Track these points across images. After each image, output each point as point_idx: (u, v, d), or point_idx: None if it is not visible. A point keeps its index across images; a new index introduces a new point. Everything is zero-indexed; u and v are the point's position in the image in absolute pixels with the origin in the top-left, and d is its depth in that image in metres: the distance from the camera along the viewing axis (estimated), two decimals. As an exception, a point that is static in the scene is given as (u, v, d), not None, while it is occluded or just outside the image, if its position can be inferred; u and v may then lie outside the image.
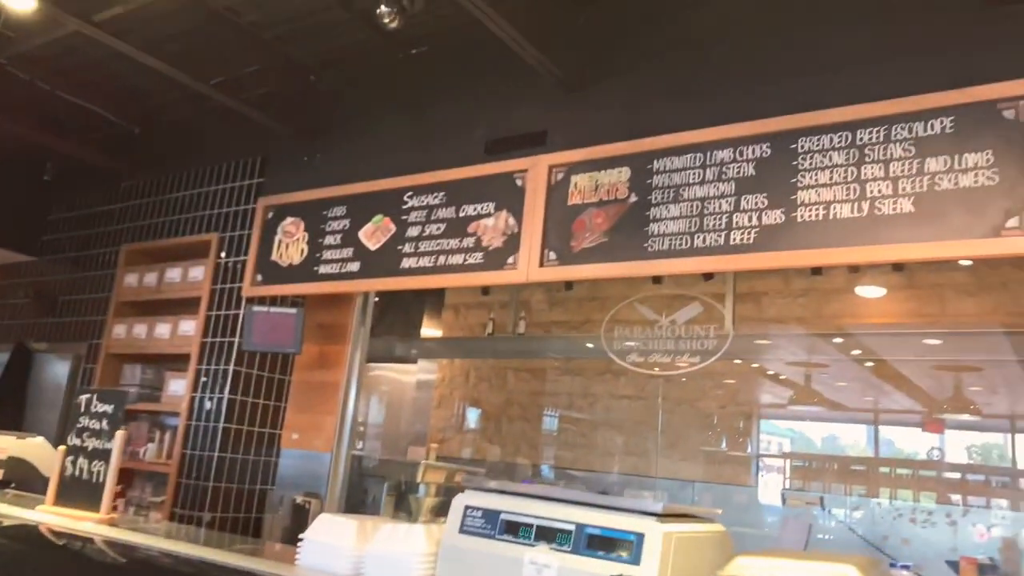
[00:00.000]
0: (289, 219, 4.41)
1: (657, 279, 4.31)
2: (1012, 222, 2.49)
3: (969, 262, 3.78)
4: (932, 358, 5.04)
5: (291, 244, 4.34)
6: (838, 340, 5.00)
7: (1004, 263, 4.25)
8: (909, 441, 5.95)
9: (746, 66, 3.19)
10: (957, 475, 5.31)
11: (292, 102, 4.53)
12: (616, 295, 5.08)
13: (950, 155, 2.63)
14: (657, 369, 3.62)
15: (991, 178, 2.56)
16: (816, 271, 4.58)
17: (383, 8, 2.98)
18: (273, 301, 4.51)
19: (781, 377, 5.95)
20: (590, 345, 5.69)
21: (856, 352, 5.11)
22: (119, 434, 2.79)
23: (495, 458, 6.20)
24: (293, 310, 4.41)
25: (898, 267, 4.35)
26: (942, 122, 2.66)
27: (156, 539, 2.32)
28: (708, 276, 4.24)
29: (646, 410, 5.68)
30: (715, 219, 3.02)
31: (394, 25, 3.03)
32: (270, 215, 4.51)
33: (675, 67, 3.37)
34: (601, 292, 5.57)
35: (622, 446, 5.79)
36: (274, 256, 4.41)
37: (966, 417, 5.62)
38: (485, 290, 5.74)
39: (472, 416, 6.54)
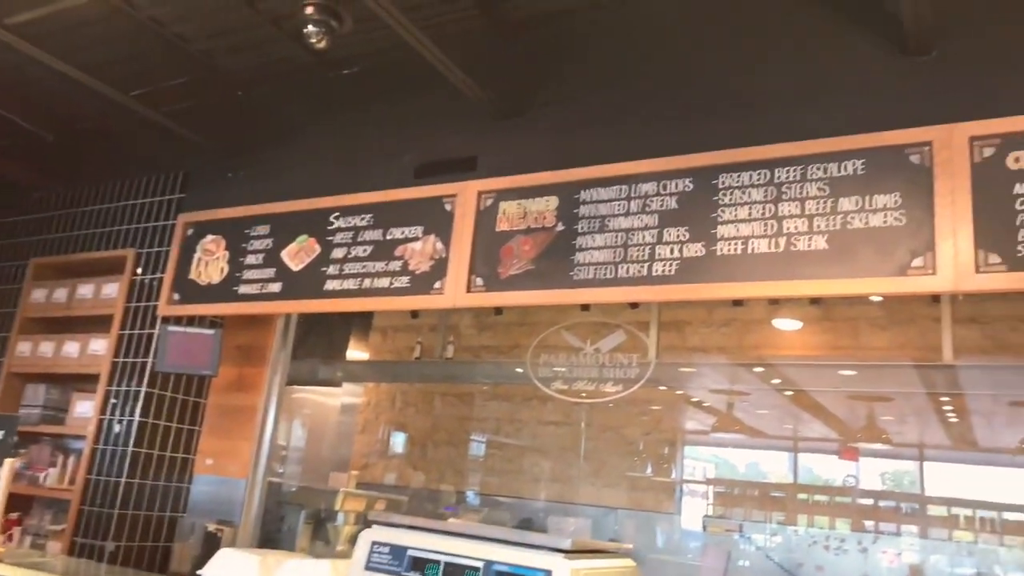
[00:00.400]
0: (210, 237, 4.33)
1: (585, 306, 4.36)
2: (917, 262, 2.61)
3: (879, 298, 3.94)
4: (846, 389, 5.23)
5: (211, 262, 4.27)
6: (758, 369, 5.14)
7: (912, 300, 4.42)
8: (826, 468, 6.11)
9: (672, 102, 3.26)
10: (870, 501, 5.47)
11: (218, 117, 4.46)
12: (545, 321, 5.14)
13: (861, 196, 2.74)
14: (584, 395, 3.60)
15: (899, 219, 2.67)
16: (737, 303, 4.75)
17: (311, 28, 2.96)
18: (190, 321, 4.43)
19: (704, 405, 6.12)
20: (519, 370, 5.61)
21: (776, 381, 5.25)
22: (8, 462, 2.65)
23: (420, 485, 6.15)
24: (211, 331, 4.33)
25: (815, 301, 4.54)
26: (854, 164, 2.77)
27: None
28: (634, 305, 4.34)
29: (572, 436, 5.74)
30: (639, 250, 3.07)
31: (322, 45, 3.02)
32: (190, 232, 4.43)
33: (604, 100, 3.43)
34: (530, 318, 5.62)
35: (548, 472, 5.82)
36: (193, 274, 4.33)
37: (879, 445, 5.84)
38: (414, 313, 5.71)
39: (397, 441, 6.50)
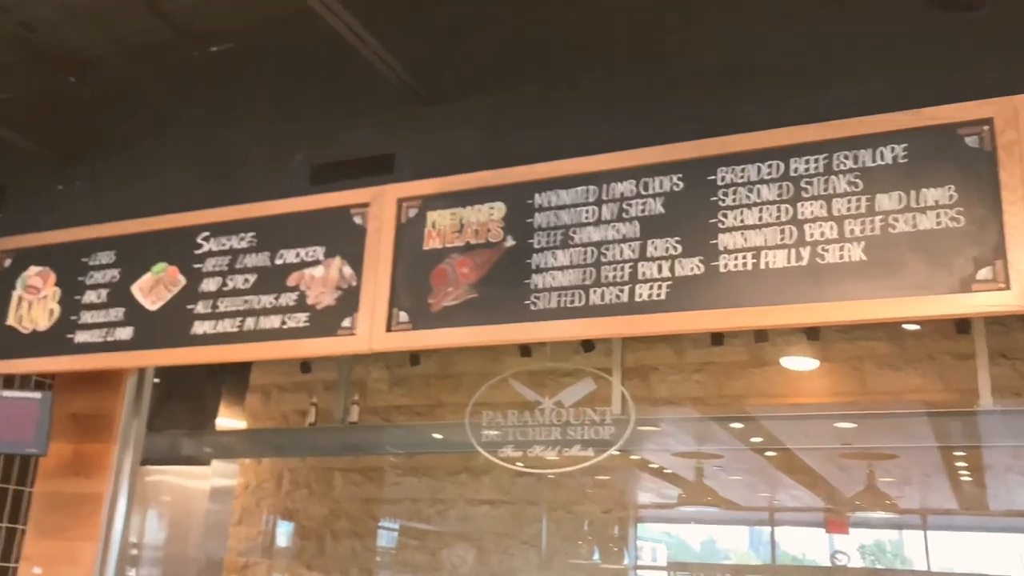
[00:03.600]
0: (34, 269, 4.14)
1: (526, 351, 4.38)
2: (983, 273, 2.45)
3: (916, 326, 3.93)
4: (842, 446, 5.20)
5: (36, 303, 4.08)
6: (736, 425, 5.12)
7: (930, 332, 4.39)
8: (809, 544, 6.22)
9: (650, 77, 3.16)
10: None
11: (44, 111, 4.23)
12: (474, 371, 5.19)
13: (904, 190, 2.61)
14: (547, 464, 3.43)
15: (955, 219, 2.53)
16: (717, 341, 4.69)
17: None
18: (8, 382, 4.24)
19: (666, 471, 6.09)
20: (437, 436, 5.72)
21: (756, 440, 5.22)
22: None
23: (315, 590, 6.09)
24: (37, 394, 4.11)
25: (812, 334, 4.43)
26: (893, 150, 2.65)
27: None
28: (588, 346, 4.32)
29: (511, 519, 5.68)
30: (616, 269, 2.94)
31: None
32: (7, 263, 4.21)
33: (560, 76, 3.33)
34: (454, 368, 5.62)
35: (481, 566, 5.74)
36: (11, 319, 4.12)
37: (878, 514, 5.90)
38: (305, 367, 5.65)
39: (285, 533, 6.42)
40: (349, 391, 5.50)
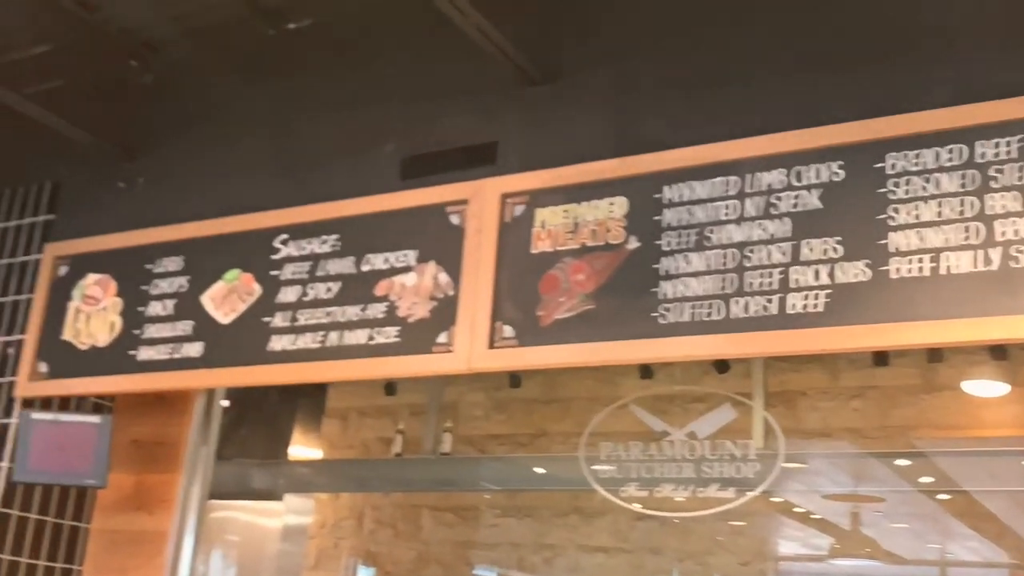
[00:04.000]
0: (93, 277, 4.23)
1: (647, 372, 4.37)
2: None
3: None
4: None
5: (95, 316, 4.17)
6: (903, 463, 5.02)
7: None
8: None
9: (803, 47, 3.13)
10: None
11: (101, 99, 4.33)
12: (583, 395, 5.10)
13: None
14: (677, 507, 3.40)
15: None
16: (880, 361, 4.60)
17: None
18: (64, 404, 4.32)
19: (814, 517, 5.96)
20: (539, 471, 5.63)
21: (926, 480, 5.11)
22: None
23: (402, 649, 6.17)
24: (96, 418, 4.19)
25: (999, 353, 4.32)
26: None
27: None
28: (722, 367, 4.30)
29: (632, 569, 5.60)
30: (762, 275, 2.91)
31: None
32: (63, 270, 4.33)
33: (693, 47, 3.32)
34: (561, 391, 5.60)
35: None
36: (67, 334, 4.21)
37: None
38: (389, 388, 5.65)
39: None
40: (440, 417, 5.49)
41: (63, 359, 4.19)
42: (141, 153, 4.41)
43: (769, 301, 2.86)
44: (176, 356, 3.89)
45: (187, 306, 3.93)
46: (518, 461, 5.69)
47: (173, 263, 4.03)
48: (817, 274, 2.81)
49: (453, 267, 3.38)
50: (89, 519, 4.51)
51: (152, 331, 3.99)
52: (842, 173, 2.87)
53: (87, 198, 4.51)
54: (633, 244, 3.11)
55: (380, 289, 3.51)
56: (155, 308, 4.01)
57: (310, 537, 6.25)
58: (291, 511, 6.00)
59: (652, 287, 3.03)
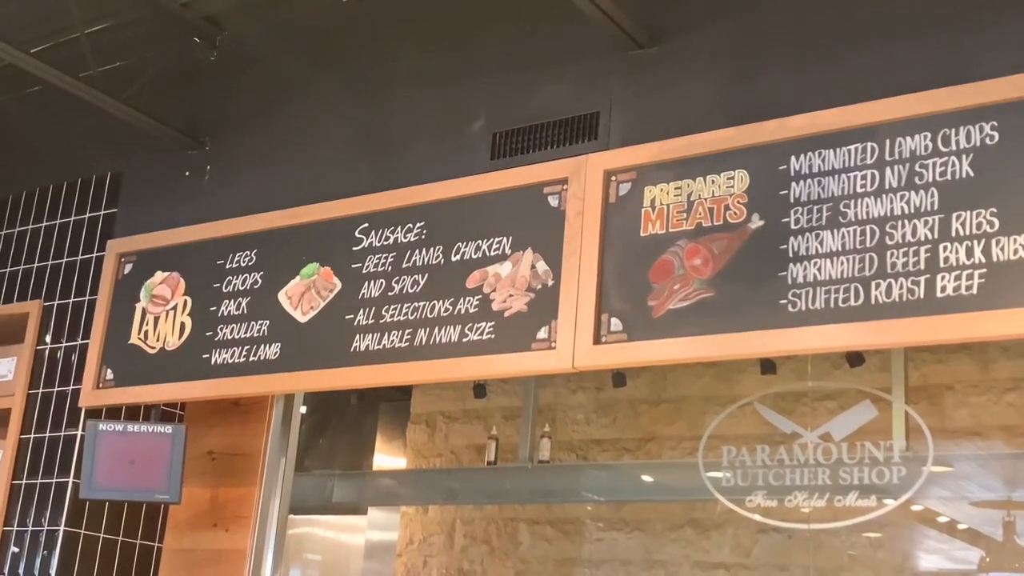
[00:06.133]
0: (160, 275, 4.31)
1: (769, 367, 4.36)
2: None
3: None
4: None
5: (163, 316, 4.25)
6: None
7: None
8: None
9: None
10: None
11: (164, 81, 4.40)
12: (697, 394, 5.03)
13: None
14: (807, 516, 3.35)
15: None
16: None
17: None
18: (132, 414, 4.38)
19: (960, 527, 5.81)
20: (648, 479, 5.62)
21: None
22: None
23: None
24: (168, 428, 4.27)
25: None
26: None
27: None
28: (856, 359, 4.27)
29: None
30: (907, 254, 2.89)
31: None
32: (128, 268, 4.41)
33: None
34: (672, 390, 5.56)
35: None
36: (134, 337, 4.30)
37: None
38: (479, 390, 5.72)
39: None
40: (537, 421, 5.49)
41: (130, 365, 4.25)
42: (209, 140, 4.48)
43: (915, 284, 2.82)
44: (252, 359, 3.93)
45: (262, 304, 3.97)
46: (625, 469, 5.69)
47: (246, 258, 4.08)
48: (970, 251, 2.77)
49: (553, 254, 3.39)
50: (161, 538, 4.58)
51: (225, 332, 4.04)
52: (996, 135, 2.82)
53: (151, 190, 4.57)
54: (756, 223, 3.10)
55: (472, 281, 3.53)
56: (228, 307, 4.06)
57: (396, 554, 6.25)
58: (375, 526, 6.10)
59: (780, 271, 3.01)
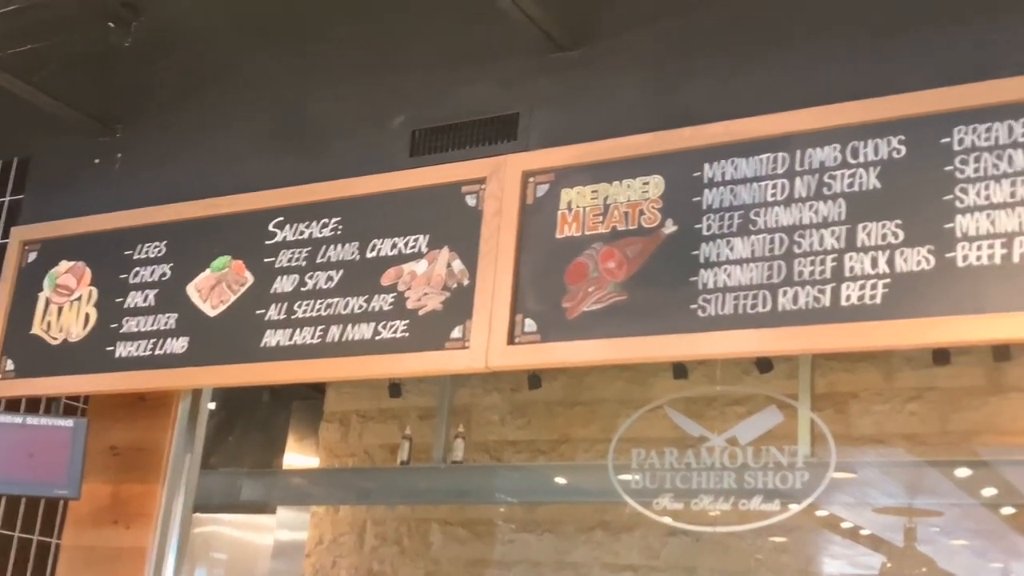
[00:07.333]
0: (65, 264, 4.25)
1: (681, 371, 4.40)
2: None
3: None
4: None
5: (67, 307, 4.19)
6: (964, 472, 5.07)
7: None
8: None
9: (861, 8, 3.13)
10: None
11: (76, 65, 4.28)
12: (612, 397, 5.09)
13: None
14: (714, 520, 3.41)
15: None
16: (942, 359, 4.61)
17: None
18: (33, 406, 4.35)
19: (863, 532, 5.96)
20: (561, 481, 5.66)
21: (990, 492, 5.17)
22: None
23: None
24: (68, 421, 4.20)
25: None
26: None
27: None
28: (765, 365, 4.34)
29: None
30: (814, 263, 2.91)
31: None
32: (32, 257, 4.35)
33: (739, 9, 3.30)
34: (587, 392, 5.60)
35: None
36: (37, 327, 4.23)
37: None
38: (394, 390, 5.72)
39: None
40: (451, 421, 5.51)
41: (32, 356, 4.20)
42: (122, 126, 4.42)
43: (821, 292, 2.85)
44: (158, 353, 3.88)
45: (171, 297, 3.92)
46: (538, 470, 5.72)
47: (155, 249, 4.03)
48: (875, 262, 2.81)
49: (469, 254, 3.39)
50: (60, 534, 4.52)
51: (132, 324, 3.98)
52: (903, 149, 2.86)
53: (59, 177, 4.52)
54: (670, 228, 3.11)
55: (387, 278, 3.51)
56: (135, 299, 4.01)
57: (305, 554, 6.25)
58: (284, 526, 6.09)
59: (691, 276, 3.03)
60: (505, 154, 3.45)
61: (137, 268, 4.05)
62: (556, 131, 3.42)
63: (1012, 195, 2.68)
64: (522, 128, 3.49)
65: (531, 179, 3.37)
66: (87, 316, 4.10)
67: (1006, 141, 2.73)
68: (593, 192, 3.26)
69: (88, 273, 4.17)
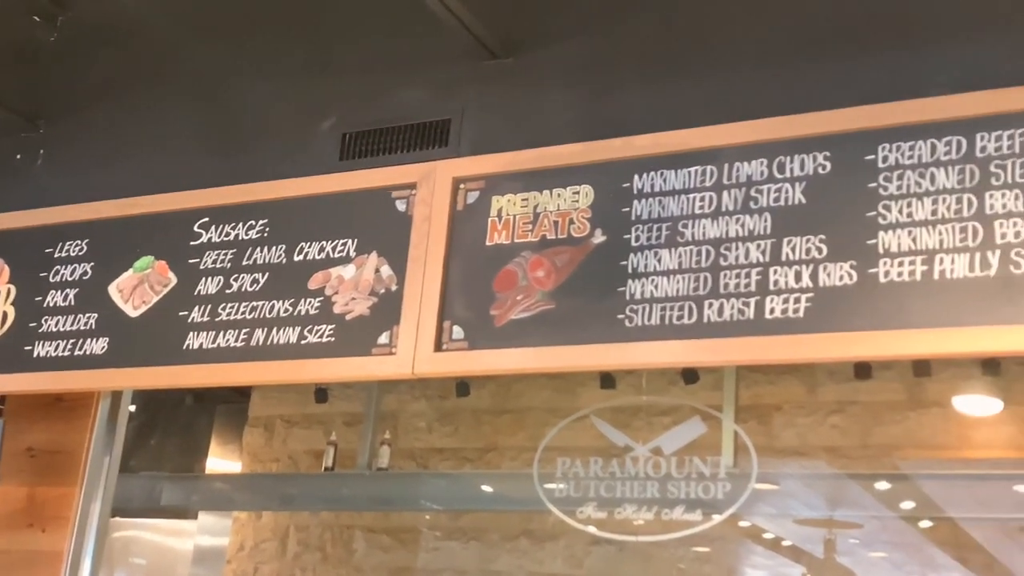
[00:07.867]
0: None
1: (608, 381, 4.53)
2: None
3: None
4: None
5: None
6: (884, 485, 5.15)
7: None
8: None
9: (789, 26, 3.16)
10: None
11: (1, 61, 4.30)
12: (539, 406, 5.14)
13: None
14: (638, 529, 3.42)
15: None
16: (863, 374, 4.75)
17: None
18: None
19: (785, 543, 6.06)
20: (488, 489, 5.70)
21: (908, 505, 5.26)
22: None
23: None
24: None
25: (990, 368, 4.48)
26: None
27: None
28: (691, 376, 4.48)
29: None
30: (739, 276, 2.92)
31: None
32: None
33: (671, 23, 3.33)
34: (515, 401, 5.63)
35: None
36: None
37: None
38: (321, 395, 5.74)
39: None
40: (378, 428, 5.52)
41: (-55, 355, 4.12)
42: (45, 123, 4.39)
43: (745, 304, 2.86)
44: (77, 353, 3.84)
45: (91, 297, 3.88)
46: (464, 478, 5.73)
47: (76, 247, 3.98)
48: (798, 276, 2.82)
49: (398, 259, 3.37)
50: (-28, 537, 4.43)
51: (51, 324, 3.94)
52: (828, 165, 2.88)
53: (-21, 172, 4.45)
54: (599, 238, 3.12)
55: (314, 282, 3.50)
56: (55, 298, 3.96)
57: (226, 560, 6.22)
58: (205, 531, 6.03)
59: (619, 286, 3.03)
60: (436, 160, 3.44)
61: (57, 267, 4.00)
62: (488, 138, 3.42)
63: (933, 213, 2.71)
64: (454, 134, 3.49)
65: (462, 186, 3.36)
66: (4, 314, 4.05)
67: (928, 159, 2.76)
68: (523, 200, 3.26)
69: (7, 270, 4.11)
